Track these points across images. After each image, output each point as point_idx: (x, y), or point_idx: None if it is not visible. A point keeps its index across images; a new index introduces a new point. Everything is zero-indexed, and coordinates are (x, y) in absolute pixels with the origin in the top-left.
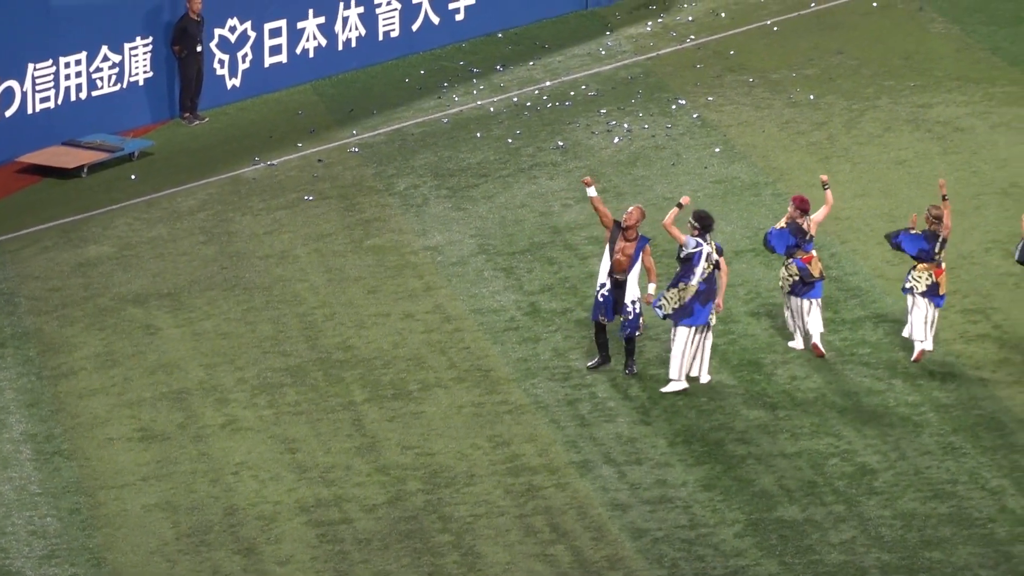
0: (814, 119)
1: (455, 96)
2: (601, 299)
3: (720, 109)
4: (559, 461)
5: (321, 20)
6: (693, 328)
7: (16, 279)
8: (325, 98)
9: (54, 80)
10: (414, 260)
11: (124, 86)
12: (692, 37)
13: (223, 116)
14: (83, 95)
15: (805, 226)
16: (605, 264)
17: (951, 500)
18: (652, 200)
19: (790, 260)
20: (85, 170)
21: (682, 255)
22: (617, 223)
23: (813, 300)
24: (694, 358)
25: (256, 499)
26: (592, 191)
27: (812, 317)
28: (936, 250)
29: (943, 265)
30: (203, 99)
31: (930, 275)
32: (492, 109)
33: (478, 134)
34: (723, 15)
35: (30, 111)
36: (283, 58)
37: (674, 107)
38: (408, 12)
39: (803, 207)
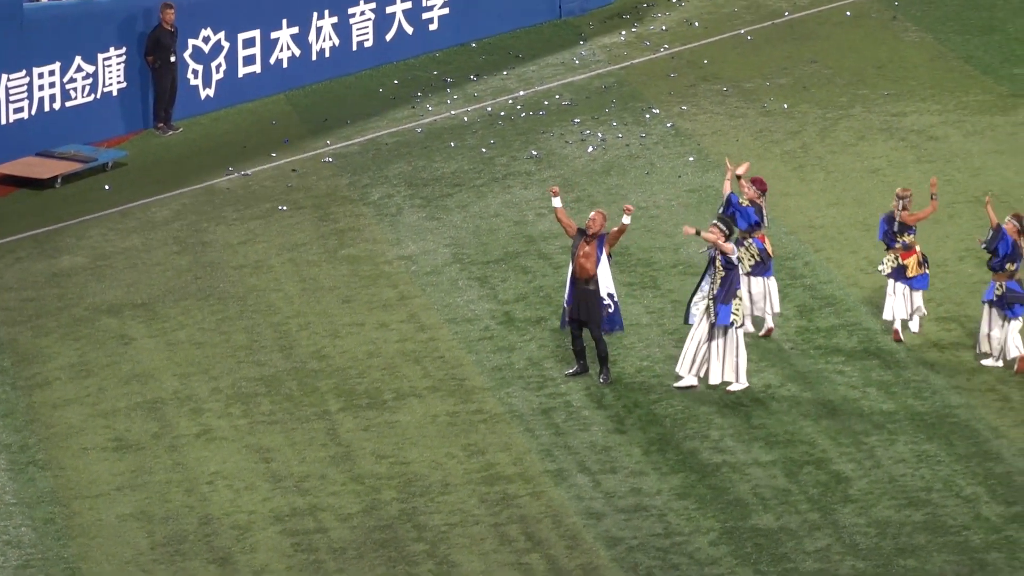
0: (788, 128)
1: (429, 106)
2: (568, 307)
3: (694, 118)
4: (534, 470)
5: (295, 30)
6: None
7: None
8: (299, 108)
9: (28, 91)
10: (388, 270)
11: (98, 97)
12: (666, 46)
13: (197, 126)
14: (57, 106)
15: (764, 207)
16: (569, 275)
17: (926, 508)
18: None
19: (750, 240)
20: (59, 180)
21: (734, 260)
22: (581, 230)
23: (769, 280)
24: (706, 360)
25: (231, 508)
26: (557, 201)
27: (773, 297)
28: (896, 233)
29: (915, 248)
30: (177, 109)
31: (895, 258)
32: (466, 119)
33: (452, 144)
34: (697, 24)
35: (4, 122)
36: (257, 68)
37: (648, 116)
38: (382, 22)
39: (762, 187)
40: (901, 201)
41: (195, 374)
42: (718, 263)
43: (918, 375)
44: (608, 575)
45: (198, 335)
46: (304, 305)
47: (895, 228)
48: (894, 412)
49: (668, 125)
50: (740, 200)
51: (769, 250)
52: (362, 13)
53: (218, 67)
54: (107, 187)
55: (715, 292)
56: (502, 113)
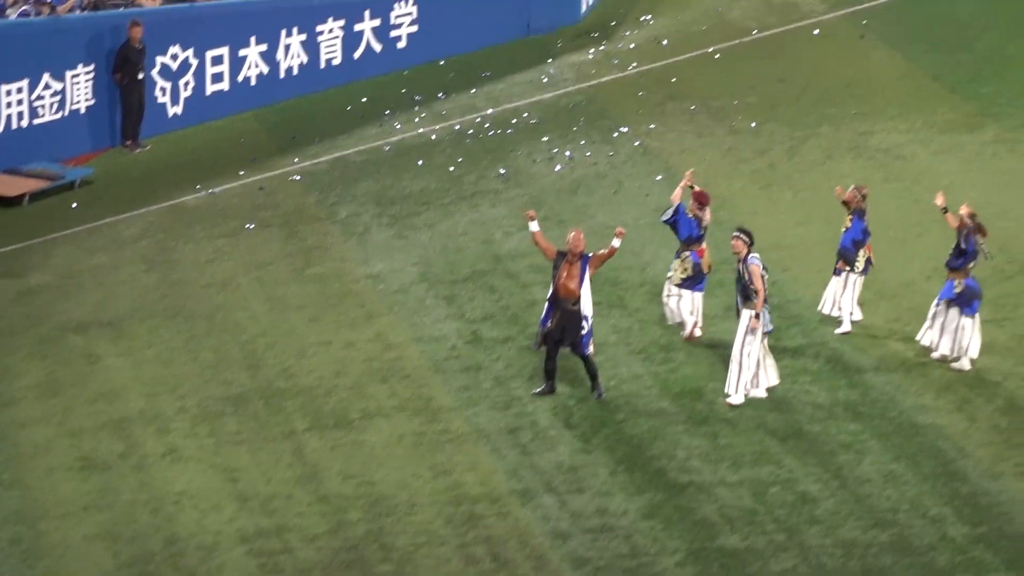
0: (756, 146)
1: (397, 124)
2: (546, 328)
3: (662, 136)
4: (500, 490)
5: (263, 48)
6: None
7: None
8: (267, 126)
9: None
10: (356, 288)
11: (65, 114)
12: (634, 64)
13: (165, 144)
14: (24, 123)
15: (705, 220)
16: (550, 294)
17: (892, 528)
18: (593, 228)
19: (687, 253)
20: (26, 198)
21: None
22: (560, 252)
23: (697, 293)
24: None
25: (197, 529)
26: (534, 226)
27: (697, 308)
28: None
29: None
30: (145, 127)
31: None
32: (434, 137)
33: (420, 162)
34: (665, 43)
35: None
36: (225, 86)
37: (616, 134)
38: (350, 40)
39: (700, 200)
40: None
41: (162, 393)
42: (743, 272)
43: (885, 394)
44: None
45: (165, 353)
46: (271, 324)
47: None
48: (861, 431)
49: (636, 143)
50: (687, 211)
51: (705, 266)
52: (330, 31)
53: (186, 84)
54: (75, 205)
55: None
56: (470, 131)
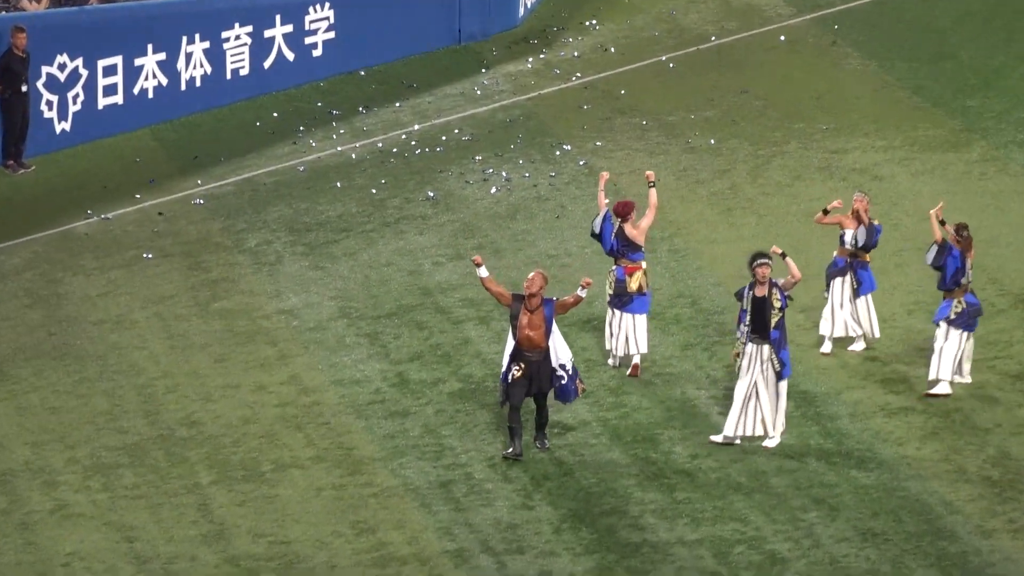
0: (715, 166)
1: (312, 141)
2: (511, 381)
3: (610, 155)
4: (431, 550)
5: (161, 56)
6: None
7: None
8: (166, 144)
9: None
10: (267, 325)
11: None
12: (578, 75)
13: (51, 164)
14: None
15: (628, 233)
16: (510, 344)
17: None
18: (534, 257)
19: (613, 267)
20: None
21: (785, 305)
22: (517, 296)
23: (636, 315)
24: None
25: None
26: (483, 271)
27: (639, 334)
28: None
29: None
30: (29, 145)
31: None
32: (354, 156)
33: (338, 184)
34: (612, 50)
35: None
36: (119, 99)
37: (558, 153)
38: (259, 48)
39: (618, 211)
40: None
41: (49, 442)
42: (775, 299)
43: (862, 443)
44: None
45: (52, 399)
46: (172, 365)
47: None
48: (835, 484)
49: (581, 163)
50: (613, 221)
51: (634, 284)
52: (237, 37)
53: (75, 98)
54: None
55: (774, 336)
56: (395, 150)
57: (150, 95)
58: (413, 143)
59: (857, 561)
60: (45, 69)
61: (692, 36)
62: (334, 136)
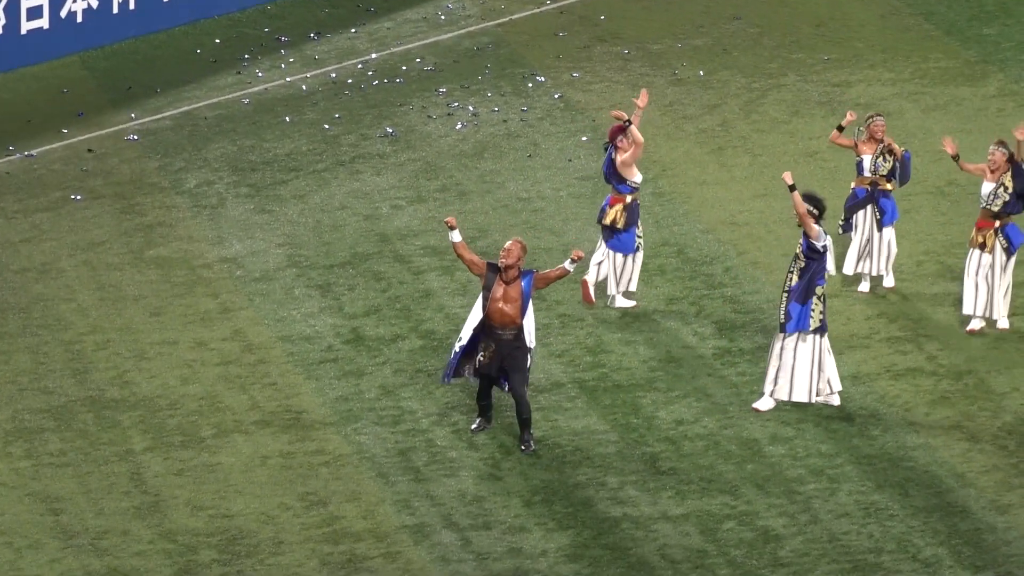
0: (705, 101)
1: (258, 71)
2: (462, 354)
3: (588, 88)
4: (388, 525)
5: None
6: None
7: None
8: (97, 73)
9: None
10: (207, 275)
11: None
12: None
13: None
14: None
15: (616, 160)
16: (475, 315)
17: (875, 573)
18: (504, 200)
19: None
20: None
21: (819, 247)
22: (492, 266)
23: (614, 252)
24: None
25: (11, 572)
26: (455, 235)
27: (615, 272)
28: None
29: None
30: None
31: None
32: (304, 88)
33: (287, 118)
34: None
35: None
36: (44, 23)
37: (531, 85)
38: None
39: (610, 135)
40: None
41: None
42: (799, 250)
43: (865, 408)
44: None
45: None
46: (103, 319)
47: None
48: (835, 454)
49: (556, 96)
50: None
51: (608, 219)
52: None
53: None
54: None
55: (789, 286)
56: (349, 80)
57: (79, 19)
58: (370, 73)
59: (859, 539)
60: None
61: None
62: (282, 65)
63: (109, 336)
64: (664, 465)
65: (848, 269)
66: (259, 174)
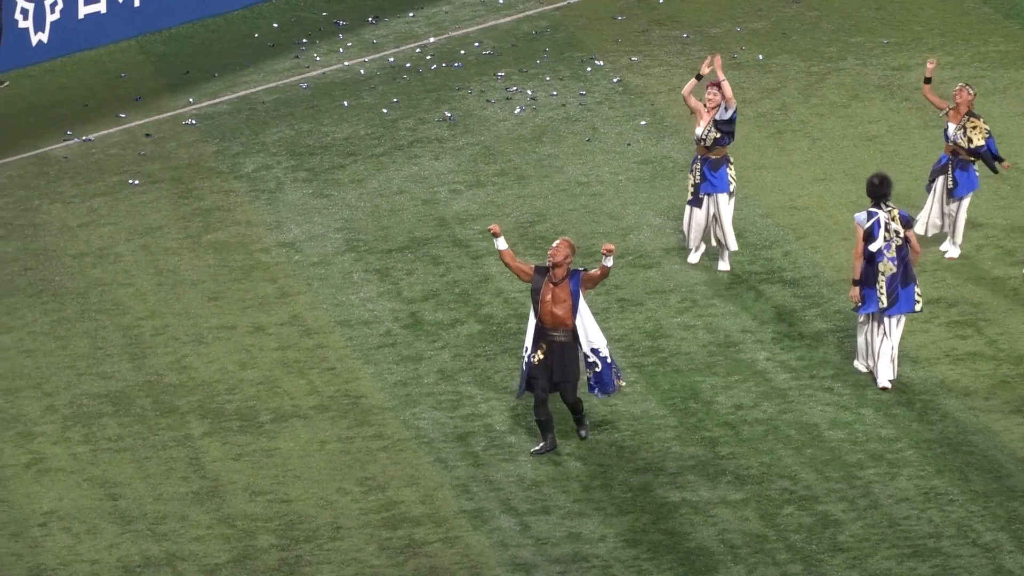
0: (764, 84)
1: (316, 55)
2: (527, 368)
3: (646, 72)
4: (447, 510)
5: None
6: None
7: None
8: (154, 57)
9: None
10: (265, 259)
11: None
12: None
13: (27, 80)
14: None
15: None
16: (532, 324)
17: (934, 558)
18: (562, 185)
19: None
20: None
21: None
22: (540, 268)
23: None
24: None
25: (69, 557)
26: (501, 243)
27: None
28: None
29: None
30: (1, 59)
31: None
32: (363, 72)
33: (345, 103)
34: None
35: None
36: (101, 7)
37: (589, 69)
38: None
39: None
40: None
41: (24, 389)
42: (892, 229)
43: (925, 392)
44: None
45: (28, 340)
46: (160, 304)
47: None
48: (895, 439)
49: (614, 80)
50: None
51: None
52: None
53: (53, 5)
54: None
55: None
56: (407, 65)
57: (136, 3)
58: (428, 57)
59: (919, 524)
60: None
61: None
62: (340, 50)
63: (167, 321)
64: (723, 450)
65: (919, 229)
66: (317, 158)
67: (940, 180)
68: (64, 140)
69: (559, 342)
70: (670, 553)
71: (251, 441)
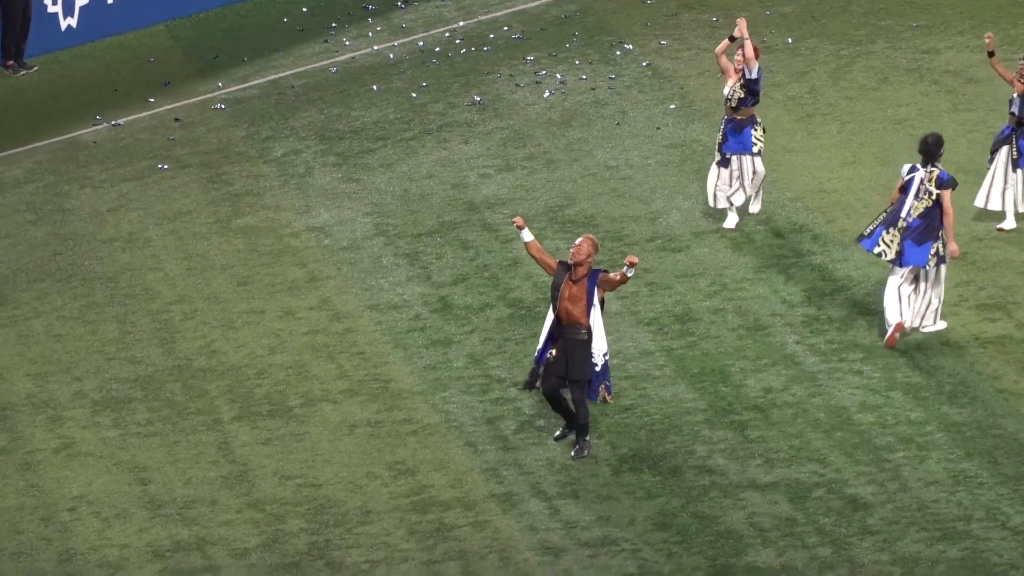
0: (793, 68)
1: (346, 40)
2: (546, 362)
3: (676, 56)
4: (476, 494)
5: None
6: (907, 271)
7: None
8: (183, 42)
9: None
10: (295, 244)
11: None
12: None
13: (56, 64)
14: None
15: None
16: (550, 318)
17: (964, 541)
18: (592, 168)
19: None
20: None
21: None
22: (564, 264)
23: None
24: (918, 309)
25: (99, 542)
26: (527, 235)
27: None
28: None
29: None
30: (31, 44)
31: None
32: (392, 56)
33: (374, 87)
34: None
35: None
36: None
37: (619, 53)
38: None
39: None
40: None
41: (54, 373)
42: (926, 182)
43: (955, 375)
44: None
45: (57, 325)
46: (190, 288)
47: None
48: (924, 422)
49: (644, 64)
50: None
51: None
52: None
53: None
54: None
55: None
56: (437, 49)
57: None
58: (457, 41)
59: (948, 507)
60: None
61: None
62: (370, 34)
63: (196, 305)
64: (753, 433)
65: (979, 202)
66: (346, 143)
67: (1004, 150)
68: (93, 125)
69: (572, 339)
70: (700, 536)
71: (280, 425)
